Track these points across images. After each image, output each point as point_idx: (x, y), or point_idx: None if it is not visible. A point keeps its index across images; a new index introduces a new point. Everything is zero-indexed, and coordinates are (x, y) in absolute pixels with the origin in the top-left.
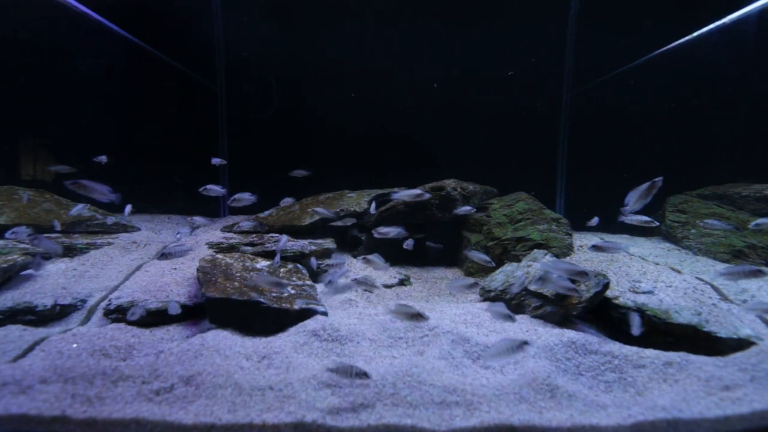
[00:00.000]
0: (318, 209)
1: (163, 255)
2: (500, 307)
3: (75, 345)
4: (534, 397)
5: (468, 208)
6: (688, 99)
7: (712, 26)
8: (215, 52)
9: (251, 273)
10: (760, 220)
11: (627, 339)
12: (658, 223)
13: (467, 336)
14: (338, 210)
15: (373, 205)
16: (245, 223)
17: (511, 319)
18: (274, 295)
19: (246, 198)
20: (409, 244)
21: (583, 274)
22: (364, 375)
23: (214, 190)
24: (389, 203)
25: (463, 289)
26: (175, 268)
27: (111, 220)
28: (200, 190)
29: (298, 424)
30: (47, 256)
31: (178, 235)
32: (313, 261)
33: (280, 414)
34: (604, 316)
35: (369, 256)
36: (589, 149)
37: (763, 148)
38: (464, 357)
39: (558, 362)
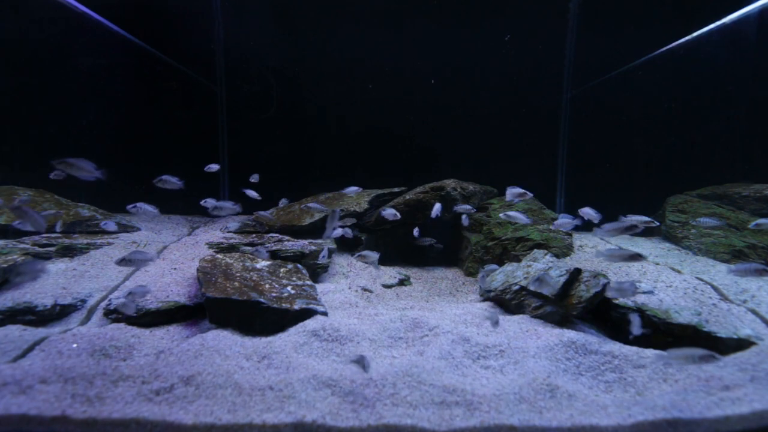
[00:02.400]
0: (312, 205)
1: (123, 261)
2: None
3: (75, 345)
4: (534, 397)
5: (467, 207)
6: (688, 99)
7: (712, 26)
8: (215, 52)
9: (251, 273)
10: (760, 220)
11: (627, 339)
12: (658, 223)
13: (467, 336)
14: (338, 210)
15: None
16: (232, 224)
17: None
18: (274, 295)
19: (228, 207)
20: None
21: (639, 256)
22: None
23: (171, 182)
24: (389, 203)
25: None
26: (175, 268)
27: (111, 225)
28: (155, 181)
29: (298, 424)
30: (47, 256)
31: (133, 209)
32: (325, 251)
33: (280, 414)
34: (604, 316)
35: (363, 252)
36: (589, 149)
37: (763, 148)
38: (464, 357)
39: (558, 362)
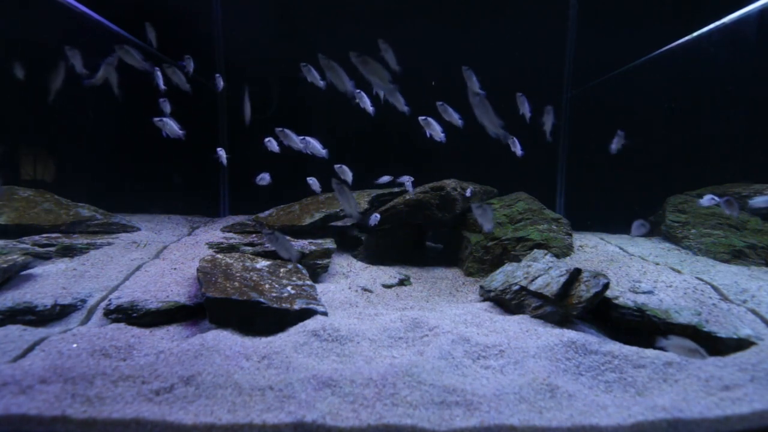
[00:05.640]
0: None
1: None
2: None
3: (75, 345)
4: (534, 397)
5: (470, 189)
6: (688, 99)
7: (712, 26)
8: (215, 52)
9: (251, 273)
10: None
11: (627, 339)
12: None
13: (467, 336)
14: (338, 210)
15: (375, 216)
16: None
17: None
18: (274, 295)
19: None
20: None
21: None
22: None
23: (172, 128)
24: (389, 203)
25: None
26: (175, 268)
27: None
28: (155, 120)
29: (298, 424)
30: (47, 256)
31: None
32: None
33: (280, 414)
34: (604, 316)
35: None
36: (589, 149)
37: (763, 148)
38: (464, 357)
39: (558, 362)
